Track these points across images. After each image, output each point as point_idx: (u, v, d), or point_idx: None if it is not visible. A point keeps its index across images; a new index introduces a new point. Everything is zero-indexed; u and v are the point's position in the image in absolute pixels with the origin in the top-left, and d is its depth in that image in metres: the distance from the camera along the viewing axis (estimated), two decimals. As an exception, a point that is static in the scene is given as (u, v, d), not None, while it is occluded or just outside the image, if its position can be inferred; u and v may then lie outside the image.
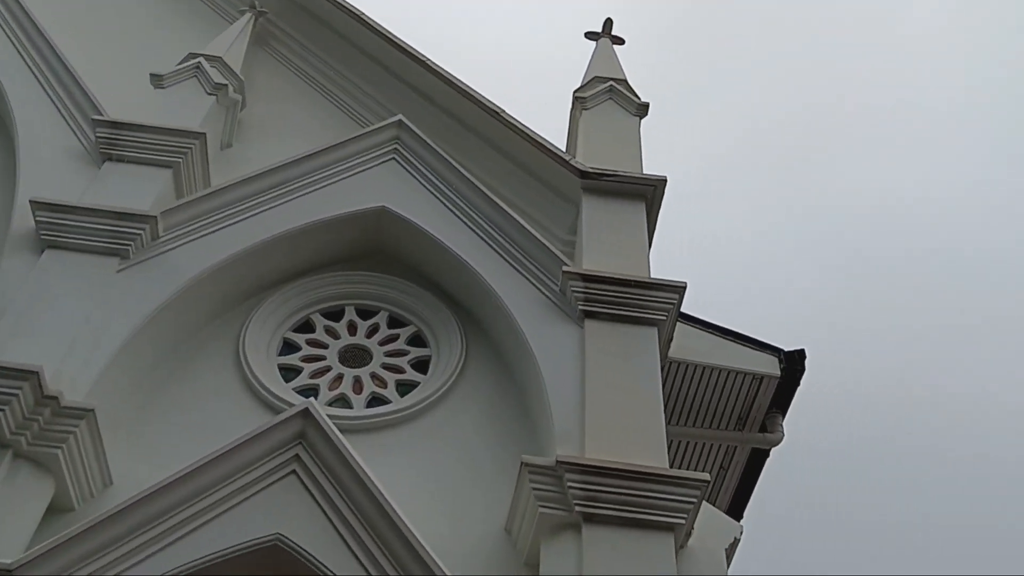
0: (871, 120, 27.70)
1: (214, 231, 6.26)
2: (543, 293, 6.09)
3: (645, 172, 6.92)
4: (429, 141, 6.95)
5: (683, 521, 4.95)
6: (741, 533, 5.50)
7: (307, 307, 6.46)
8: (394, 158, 6.92)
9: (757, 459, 7.43)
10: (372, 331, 6.39)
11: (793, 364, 6.89)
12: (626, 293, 5.96)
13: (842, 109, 27.01)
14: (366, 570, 4.47)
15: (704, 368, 6.59)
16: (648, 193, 6.75)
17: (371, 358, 6.22)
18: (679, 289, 6.01)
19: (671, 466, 5.20)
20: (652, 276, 6.12)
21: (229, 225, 6.31)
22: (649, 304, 5.94)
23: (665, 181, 6.74)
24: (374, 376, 6.11)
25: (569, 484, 4.89)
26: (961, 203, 26.73)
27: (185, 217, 6.28)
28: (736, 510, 7.63)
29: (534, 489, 4.92)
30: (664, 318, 5.95)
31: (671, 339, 6.27)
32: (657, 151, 7.70)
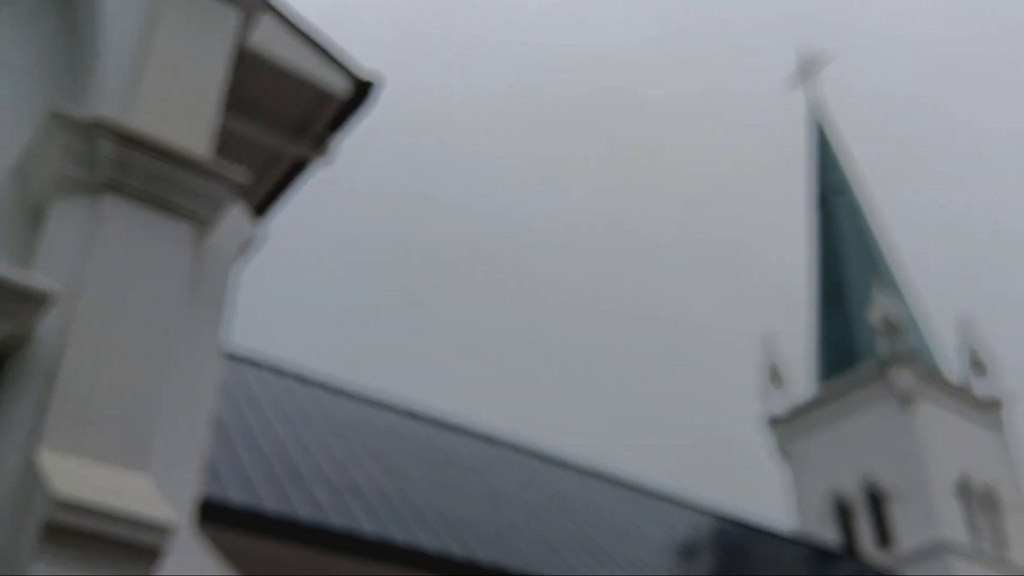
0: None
1: None
2: (126, -71, 5.35)
3: None
4: None
5: (209, 213, 4.88)
6: (262, 236, 5.59)
7: None
8: None
9: (296, 170, 7.43)
10: None
11: (362, 92, 6.85)
12: (219, -37, 5.45)
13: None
14: None
15: (278, 69, 6.30)
16: None
17: None
18: (276, -20, 5.63)
19: (214, 156, 5.04)
20: (252, -45, 5.65)
21: None
22: (239, -16, 5.51)
23: None
24: None
25: (101, 148, 4.54)
26: None
27: None
28: (261, 212, 7.64)
29: (62, 144, 4.49)
30: (252, 3, 5.57)
31: (252, 27, 5.90)
32: None
